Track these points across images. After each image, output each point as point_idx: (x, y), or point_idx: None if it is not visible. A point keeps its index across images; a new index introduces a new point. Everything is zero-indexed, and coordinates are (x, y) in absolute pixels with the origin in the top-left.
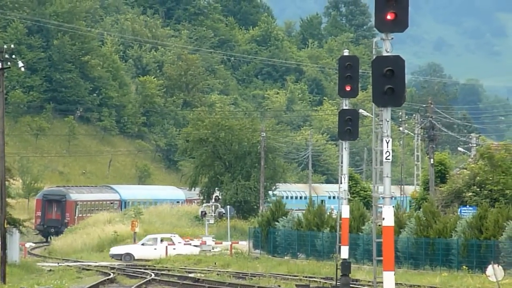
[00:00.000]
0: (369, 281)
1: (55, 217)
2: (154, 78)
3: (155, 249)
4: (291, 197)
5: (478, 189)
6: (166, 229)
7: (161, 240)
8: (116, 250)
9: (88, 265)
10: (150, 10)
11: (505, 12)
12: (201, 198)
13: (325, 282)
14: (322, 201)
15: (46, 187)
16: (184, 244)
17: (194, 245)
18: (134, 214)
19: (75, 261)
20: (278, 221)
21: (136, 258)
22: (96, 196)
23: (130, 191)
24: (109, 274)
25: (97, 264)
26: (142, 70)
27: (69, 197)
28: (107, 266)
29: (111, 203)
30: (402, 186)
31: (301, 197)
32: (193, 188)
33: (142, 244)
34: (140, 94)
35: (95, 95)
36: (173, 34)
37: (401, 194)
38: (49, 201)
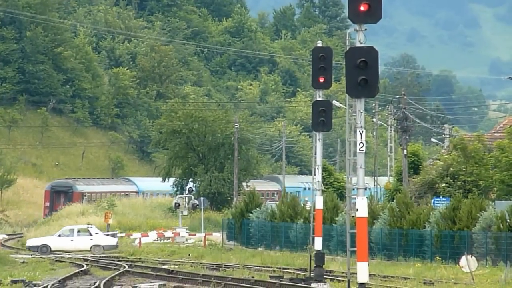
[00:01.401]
0: (343, 272)
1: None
2: (127, 69)
3: (72, 240)
4: (307, 188)
5: (452, 180)
6: (139, 220)
7: (78, 231)
8: (32, 242)
9: (61, 257)
10: (123, 2)
11: (478, 3)
12: (175, 189)
13: (299, 273)
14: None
15: (55, 179)
16: (105, 235)
17: (112, 235)
18: (107, 205)
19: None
20: (251, 213)
21: (52, 249)
22: (110, 187)
23: (147, 183)
24: (83, 266)
25: (70, 256)
26: (115, 61)
27: (75, 189)
28: (81, 258)
29: (126, 194)
30: (376, 177)
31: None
32: (166, 180)
33: (59, 236)
34: (113, 86)
35: (68, 86)
36: (146, 25)
37: (374, 185)
38: (57, 192)
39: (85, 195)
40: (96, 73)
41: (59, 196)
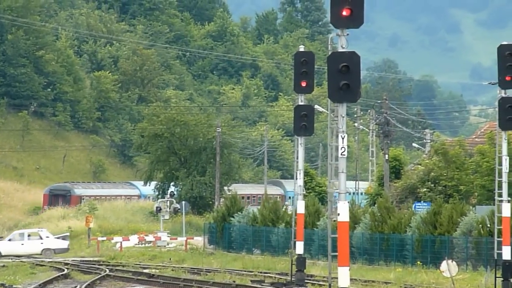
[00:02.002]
0: (324, 277)
1: None
2: (109, 73)
3: (23, 244)
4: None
5: (433, 185)
6: (120, 224)
7: (29, 235)
8: None
9: (42, 261)
10: (105, 5)
11: (459, 8)
12: (156, 193)
13: (280, 278)
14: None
15: (54, 183)
16: (55, 238)
17: (63, 238)
18: (88, 209)
19: (28, 257)
20: (233, 217)
21: (3, 254)
22: (111, 191)
23: (150, 187)
24: (63, 270)
25: (51, 260)
26: (97, 65)
27: (73, 192)
28: (61, 262)
29: (128, 199)
30: (357, 182)
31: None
32: (148, 184)
33: (9, 240)
34: (94, 89)
35: (49, 90)
36: (128, 29)
37: (356, 190)
38: (55, 196)
39: (83, 199)
40: (78, 77)
41: (58, 199)
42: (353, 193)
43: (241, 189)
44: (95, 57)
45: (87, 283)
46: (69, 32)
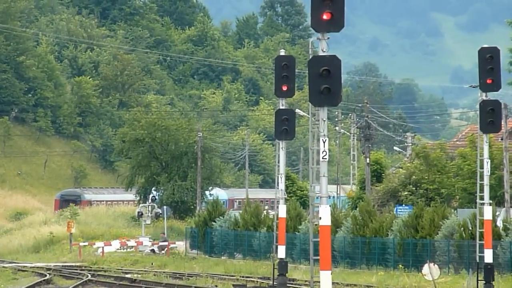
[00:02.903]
0: (306, 281)
1: None
2: (89, 78)
3: None
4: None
5: (414, 188)
6: (102, 230)
7: None
8: None
9: (24, 266)
10: (86, 10)
11: (440, 12)
12: (138, 198)
13: (262, 282)
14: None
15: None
16: None
17: None
18: (70, 215)
19: (10, 262)
20: (215, 221)
21: None
22: (122, 196)
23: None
24: (45, 275)
25: (33, 265)
26: (77, 70)
27: (83, 197)
28: (43, 267)
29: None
30: (339, 186)
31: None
32: (129, 189)
33: None
34: (75, 95)
35: (30, 95)
36: (109, 34)
37: (337, 193)
38: (66, 201)
39: (93, 204)
40: (59, 82)
41: (68, 204)
42: (333, 197)
43: (254, 193)
44: (76, 62)
45: None
46: (50, 37)
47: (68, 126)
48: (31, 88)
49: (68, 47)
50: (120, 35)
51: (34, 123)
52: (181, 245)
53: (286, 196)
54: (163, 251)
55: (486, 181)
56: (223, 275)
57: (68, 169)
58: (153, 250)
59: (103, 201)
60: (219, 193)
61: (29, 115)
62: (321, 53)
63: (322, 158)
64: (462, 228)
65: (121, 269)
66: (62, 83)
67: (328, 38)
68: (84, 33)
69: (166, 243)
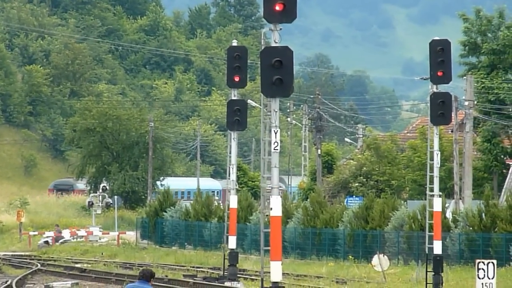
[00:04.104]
0: (256, 271)
1: None
2: (40, 67)
3: None
4: None
5: (365, 180)
6: (52, 219)
7: None
8: None
9: None
10: None
11: (392, 4)
12: (88, 188)
13: (213, 272)
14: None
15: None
16: None
17: None
18: (20, 204)
19: None
20: (166, 211)
21: None
22: None
23: (169, 182)
24: None
25: None
26: (28, 59)
27: (76, 187)
28: None
29: None
30: (290, 177)
31: None
32: (80, 178)
33: None
34: (26, 83)
35: None
36: (60, 23)
37: (288, 184)
38: (59, 190)
39: (85, 193)
40: (9, 71)
41: (61, 193)
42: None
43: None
44: (27, 51)
45: (18, 278)
46: (0, 25)
47: (18, 115)
48: None
49: (19, 36)
50: (72, 24)
51: None
52: (131, 235)
53: (237, 187)
54: (57, 243)
55: (436, 173)
56: (173, 265)
57: (18, 158)
58: (47, 242)
59: None
60: (213, 184)
61: None
62: (273, 44)
63: (274, 149)
64: (411, 220)
65: (71, 259)
66: (12, 72)
67: (281, 29)
68: (35, 22)
69: (61, 235)
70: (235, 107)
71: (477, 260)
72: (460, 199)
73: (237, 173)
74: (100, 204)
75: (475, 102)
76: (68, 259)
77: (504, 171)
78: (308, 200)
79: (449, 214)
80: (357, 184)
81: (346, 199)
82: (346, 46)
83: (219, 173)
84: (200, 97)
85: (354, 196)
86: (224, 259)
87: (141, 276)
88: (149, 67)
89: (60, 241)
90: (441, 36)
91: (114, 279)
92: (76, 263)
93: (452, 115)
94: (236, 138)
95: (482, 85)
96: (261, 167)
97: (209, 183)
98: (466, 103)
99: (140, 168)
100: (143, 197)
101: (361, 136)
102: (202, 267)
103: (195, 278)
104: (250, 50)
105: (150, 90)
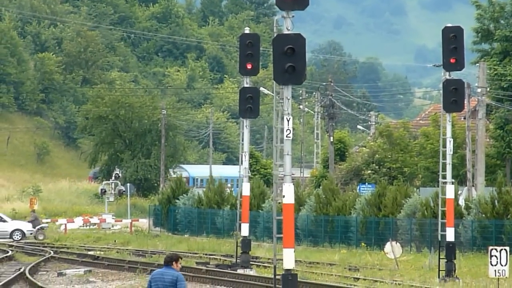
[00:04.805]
0: (269, 258)
1: None
2: (53, 54)
3: None
4: None
5: (377, 167)
6: (65, 206)
7: None
8: None
9: None
10: None
11: None
12: (101, 175)
13: (225, 260)
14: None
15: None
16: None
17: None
18: (32, 191)
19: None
20: (178, 199)
21: None
22: None
23: (197, 169)
24: (8, 252)
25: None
26: (40, 46)
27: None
28: (5, 244)
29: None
30: (302, 164)
31: None
32: (92, 166)
33: None
34: (38, 71)
35: None
36: (72, 10)
37: (301, 172)
38: (97, 178)
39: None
40: (22, 58)
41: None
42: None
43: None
44: (39, 38)
45: (31, 265)
46: (13, 13)
47: (31, 103)
48: None
49: (31, 23)
50: (84, 11)
51: None
52: (144, 223)
53: (250, 174)
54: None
55: (448, 160)
56: (186, 252)
57: (30, 146)
58: (42, 228)
59: None
60: (231, 171)
61: None
62: (285, 32)
63: (286, 137)
64: (424, 207)
65: (83, 246)
66: (25, 59)
67: (293, 16)
68: (47, 9)
69: (38, 221)
70: (247, 94)
71: (490, 247)
72: (473, 186)
73: (249, 160)
74: (112, 192)
75: (488, 89)
76: (81, 246)
77: None
78: (321, 187)
79: (461, 201)
80: (369, 172)
81: (358, 187)
82: (358, 33)
83: (232, 160)
84: (212, 85)
85: (366, 184)
86: (237, 246)
87: (165, 262)
88: (161, 55)
89: (37, 227)
90: (454, 23)
91: (127, 266)
92: (89, 250)
93: (465, 102)
94: (249, 126)
95: (495, 72)
96: (274, 154)
97: (232, 171)
98: (479, 90)
99: (153, 155)
100: (155, 184)
101: (373, 123)
102: (214, 255)
103: (207, 266)
104: (263, 38)
105: (162, 78)
